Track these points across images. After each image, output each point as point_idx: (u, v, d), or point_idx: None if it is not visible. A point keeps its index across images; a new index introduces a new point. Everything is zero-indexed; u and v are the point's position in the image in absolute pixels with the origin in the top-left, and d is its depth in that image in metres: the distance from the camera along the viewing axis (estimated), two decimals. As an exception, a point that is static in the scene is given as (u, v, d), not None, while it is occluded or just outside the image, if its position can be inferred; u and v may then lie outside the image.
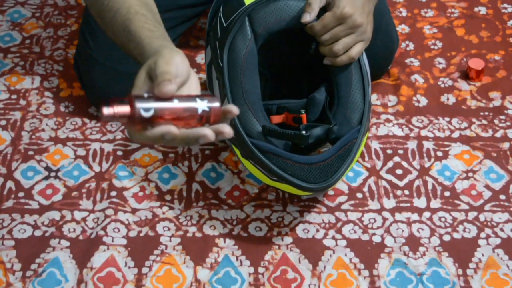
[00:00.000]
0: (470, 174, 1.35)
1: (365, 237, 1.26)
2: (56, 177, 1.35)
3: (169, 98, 0.83)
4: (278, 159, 1.16)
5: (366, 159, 1.37)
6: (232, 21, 1.21)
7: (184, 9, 1.47)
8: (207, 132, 0.84)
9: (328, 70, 1.22)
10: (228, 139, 1.21)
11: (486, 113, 1.46)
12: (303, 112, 1.19)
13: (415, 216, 1.29)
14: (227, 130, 0.85)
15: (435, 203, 1.30)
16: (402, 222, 1.28)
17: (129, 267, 1.22)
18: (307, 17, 1.18)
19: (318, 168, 1.16)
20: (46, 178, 1.35)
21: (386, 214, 1.29)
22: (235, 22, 1.20)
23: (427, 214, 1.29)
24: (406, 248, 1.24)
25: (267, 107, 1.22)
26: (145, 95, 0.84)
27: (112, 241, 1.25)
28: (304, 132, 1.14)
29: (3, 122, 1.44)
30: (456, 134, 1.42)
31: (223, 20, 1.23)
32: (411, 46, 1.60)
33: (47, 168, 1.36)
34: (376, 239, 1.25)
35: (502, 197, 1.31)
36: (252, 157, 1.18)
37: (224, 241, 1.25)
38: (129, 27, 1.03)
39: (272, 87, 1.35)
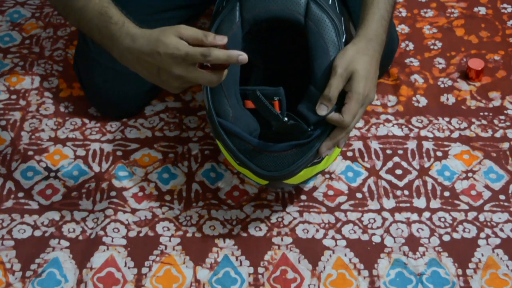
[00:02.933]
0: (469, 174, 1.35)
1: (365, 237, 1.26)
2: (55, 177, 1.35)
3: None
4: (240, 142, 1.17)
5: (366, 159, 1.38)
6: (225, 4, 1.22)
7: (184, 9, 1.47)
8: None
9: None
10: (208, 118, 1.22)
11: (486, 113, 1.46)
12: (276, 99, 1.17)
13: (414, 216, 1.29)
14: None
15: (435, 203, 1.30)
16: (402, 222, 1.28)
17: (129, 267, 1.22)
18: (324, 110, 1.14)
19: (275, 157, 1.15)
20: (46, 178, 1.35)
21: (385, 214, 1.29)
22: (227, 5, 1.21)
23: (426, 214, 1.29)
24: (405, 248, 1.24)
25: (244, 92, 1.21)
26: None
27: (112, 241, 1.25)
28: (286, 119, 1.14)
29: (3, 123, 1.44)
30: (455, 134, 1.42)
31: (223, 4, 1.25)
32: (411, 46, 1.60)
33: (46, 168, 1.36)
34: (376, 239, 1.25)
35: (502, 197, 1.31)
36: (218, 137, 1.19)
37: (224, 241, 1.25)
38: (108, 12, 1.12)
39: (263, 79, 1.34)
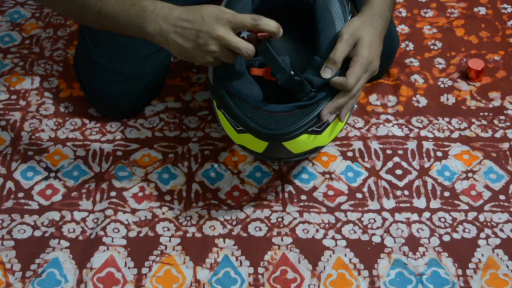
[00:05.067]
0: (469, 175, 1.35)
1: (365, 237, 1.26)
2: (55, 177, 1.35)
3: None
4: (243, 103, 1.18)
5: (366, 159, 1.38)
6: None
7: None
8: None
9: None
10: (211, 92, 1.24)
11: (486, 113, 1.46)
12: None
13: (414, 216, 1.29)
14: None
15: (435, 203, 1.30)
16: (402, 222, 1.28)
17: (129, 268, 1.22)
18: (329, 73, 1.16)
19: (276, 117, 1.16)
20: (46, 178, 1.35)
21: (385, 214, 1.29)
22: None
23: (426, 214, 1.29)
24: (405, 248, 1.24)
25: (249, 65, 1.22)
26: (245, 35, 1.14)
27: (112, 241, 1.25)
28: (292, 72, 1.15)
29: (3, 123, 1.44)
30: (455, 134, 1.42)
31: None
32: (411, 46, 1.60)
33: (46, 169, 1.36)
34: (376, 239, 1.25)
35: (502, 197, 1.31)
36: (221, 102, 1.20)
37: (224, 241, 1.25)
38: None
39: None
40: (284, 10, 1.29)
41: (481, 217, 1.28)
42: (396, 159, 1.38)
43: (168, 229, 1.27)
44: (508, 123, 1.43)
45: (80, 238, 1.26)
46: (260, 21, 1.12)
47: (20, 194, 1.32)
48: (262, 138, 1.17)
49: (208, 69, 1.27)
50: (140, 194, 1.33)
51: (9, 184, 1.34)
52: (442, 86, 1.51)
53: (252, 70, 1.20)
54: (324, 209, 1.30)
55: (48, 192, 1.33)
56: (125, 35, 1.19)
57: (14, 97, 1.50)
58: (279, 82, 1.16)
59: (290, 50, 1.31)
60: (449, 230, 1.26)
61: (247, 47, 1.12)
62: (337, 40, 1.17)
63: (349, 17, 1.23)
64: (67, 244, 1.25)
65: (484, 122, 1.44)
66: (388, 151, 1.39)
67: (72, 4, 1.17)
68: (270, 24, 1.12)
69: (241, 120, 1.18)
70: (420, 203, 1.31)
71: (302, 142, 1.18)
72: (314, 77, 1.17)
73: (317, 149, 1.23)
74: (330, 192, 1.33)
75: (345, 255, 1.23)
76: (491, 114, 1.45)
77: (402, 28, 1.64)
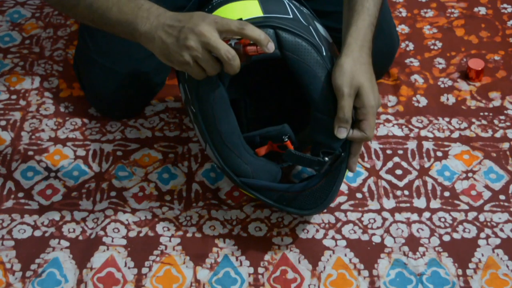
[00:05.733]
0: (470, 174, 1.35)
1: (365, 237, 1.26)
2: (55, 177, 1.35)
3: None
4: (271, 193, 1.18)
5: (366, 159, 1.37)
6: None
7: (183, 9, 1.47)
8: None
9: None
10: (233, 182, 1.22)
11: (486, 113, 1.46)
12: (286, 140, 1.18)
13: (414, 216, 1.29)
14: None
15: (435, 203, 1.30)
16: (402, 222, 1.28)
17: (129, 268, 1.22)
18: (344, 133, 1.13)
19: (309, 194, 1.17)
20: (46, 178, 1.35)
21: (385, 214, 1.29)
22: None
23: (426, 214, 1.29)
24: (405, 248, 1.24)
25: (249, 140, 1.19)
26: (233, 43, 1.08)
27: (112, 241, 1.25)
28: (326, 159, 1.14)
29: (3, 123, 1.44)
30: (456, 134, 1.42)
31: None
32: (411, 46, 1.60)
33: (46, 169, 1.36)
34: (376, 239, 1.25)
35: (502, 197, 1.31)
36: (249, 193, 1.20)
37: (224, 241, 1.25)
38: None
39: (254, 112, 1.34)
40: (257, 69, 1.22)
41: (481, 217, 1.28)
42: (396, 159, 1.38)
43: (168, 229, 1.27)
44: (508, 123, 1.43)
45: (80, 238, 1.26)
46: (247, 26, 1.06)
47: (20, 194, 1.32)
48: (305, 215, 1.23)
49: (207, 151, 1.22)
50: (140, 194, 1.33)
51: (9, 184, 1.34)
52: (442, 86, 1.51)
53: (258, 152, 1.19)
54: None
55: (48, 192, 1.33)
56: (112, 32, 1.16)
57: (14, 97, 1.50)
58: (319, 172, 1.15)
59: (279, 112, 1.31)
60: (449, 230, 1.26)
61: (228, 50, 1.06)
62: (338, 96, 1.11)
63: (325, 53, 1.14)
64: (67, 244, 1.25)
65: (484, 122, 1.44)
66: (388, 151, 1.39)
67: None
68: (256, 32, 1.06)
69: (278, 207, 1.20)
70: (420, 203, 1.31)
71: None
72: (329, 139, 1.14)
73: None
74: (330, 192, 1.32)
75: (345, 255, 1.23)
76: (491, 114, 1.45)
77: (402, 28, 1.64)
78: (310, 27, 1.17)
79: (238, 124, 1.16)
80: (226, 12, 1.17)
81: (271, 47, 1.07)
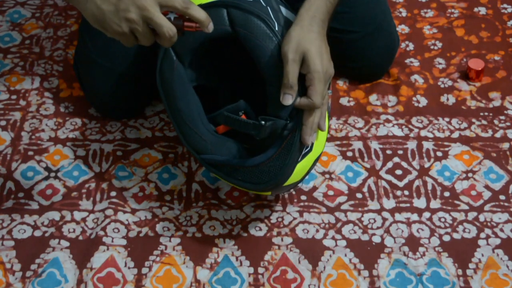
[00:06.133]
0: (470, 175, 1.35)
1: (365, 237, 1.26)
2: (56, 177, 1.35)
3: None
4: (228, 168, 1.18)
5: (366, 159, 1.38)
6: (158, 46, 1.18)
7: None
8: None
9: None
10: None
11: (486, 114, 1.46)
12: (241, 113, 1.20)
13: (414, 217, 1.29)
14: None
15: (435, 204, 1.30)
16: (402, 222, 1.28)
17: (129, 268, 1.22)
18: (290, 99, 1.11)
19: (265, 168, 1.15)
20: (46, 178, 1.35)
21: (385, 214, 1.29)
22: (161, 48, 1.19)
23: (427, 214, 1.29)
24: (406, 248, 1.24)
25: (213, 119, 1.21)
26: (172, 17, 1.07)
27: (112, 241, 1.25)
28: (263, 122, 1.13)
29: (3, 123, 1.45)
30: (455, 135, 1.42)
31: None
32: (411, 46, 1.60)
33: (47, 169, 1.36)
34: (376, 239, 1.25)
35: (502, 197, 1.31)
36: (209, 171, 1.23)
37: (224, 241, 1.25)
38: None
39: (230, 100, 1.31)
40: (218, 49, 1.24)
41: (481, 217, 1.28)
42: (396, 159, 1.38)
43: (168, 229, 1.27)
44: (508, 123, 1.43)
45: (80, 238, 1.26)
46: (191, 6, 1.05)
47: (20, 194, 1.32)
48: (263, 190, 1.18)
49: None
50: (140, 194, 1.33)
51: (9, 184, 1.34)
52: (442, 86, 1.51)
53: (218, 130, 1.21)
54: (324, 209, 1.30)
55: (48, 192, 1.33)
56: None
57: (14, 97, 1.50)
58: (257, 138, 1.15)
59: (248, 83, 1.30)
60: (449, 230, 1.26)
61: (169, 27, 1.04)
62: (283, 62, 1.11)
63: (277, 28, 1.15)
64: (67, 244, 1.25)
65: (484, 122, 1.44)
66: (388, 151, 1.39)
67: None
68: (199, 13, 1.05)
69: (235, 183, 1.19)
70: (420, 203, 1.31)
71: (301, 169, 1.17)
72: (278, 110, 1.13)
73: (317, 160, 1.22)
74: (330, 192, 1.32)
75: (345, 255, 1.23)
76: (491, 114, 1.45)
77: (402, 28, 1.64)
78: (268, 8, 1.17)
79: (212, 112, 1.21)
80: None
81: (211, 27, 1.07)
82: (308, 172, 1.21)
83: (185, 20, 1.07)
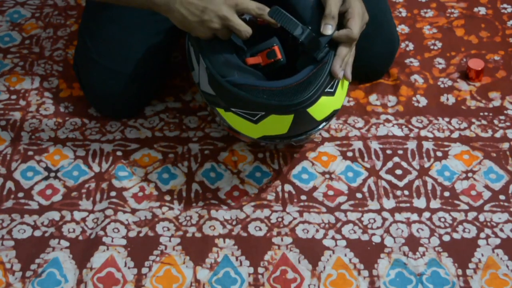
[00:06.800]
0: (469, 175, 1.35)
1: (365, 237, 1.26)
2: (55, 177, 1.35)
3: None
4: (255, 90, 1.17)
5: (366, 159, 1.38)
6: None
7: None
8: None
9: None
10: (212, 102, 1.24)
11: (486, 113, 1.46)
12: (275, 45, 1.21)
13: (414, 216, 1.29)
14: None
15: (435, 203, 1.30)
16: (402, 222, 1.28)
17: (129, 268, 1.22)
18: (330, 29, 1.18)
19: (294, 88, 1.16)
20: (46, 178, 1.35)
21: (385, 214, 1.29)
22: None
23: (426, 214, 1.29)
24: (405, 248, 1.24)
25: (242, 59, 1.22)
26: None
27: (112, 241, 1.25)
28: (309, 27, 1.17)
29: (3, 123, 1.44)
30: (455, 135, 1.42)
31: None
32: (411, 46, 1.60)
33: (46, 169, 1.36)
34: (376, 239, 1.25)
35: (502, 197, 1.31)
36: (230, 98, 1.19)
37: (224, 241, 1.25)
38: None
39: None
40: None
41: (481, 217, 1.28)
42: (396, 159, 1.38)
43: (168, 229, 1.27)
44: (508, 123, 1.43)
45: (80, 238, 1.26)
46: (265, 11, 1.17)
47: (20, 194, 1.32)
48: (287, 111, 1.16)
49: (200, 83, 1.26)
50: (140, 194, 1.33)
51: (9, 184, 1.34)
52: (442, 86, 1.51)
53: (248, 61, 1.21)
54: (324, 209, 1.30)
55: (48, 192, 1.33)
56: (128, 5, 1.22)
57: (14, 97, 1.50)
58: (301, 40, 1.16)
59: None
60: (449, 230, 1.26)
61: (247, 30, 1.18)
62: None
63: None
64: (67, 244, 1.25)
65: (484, 122, 1.44)
66: (388, 151, 1.39)
67: None
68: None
69: (260, 104, 1.17)
70: (420, 203, 1.31)
71: (323, 106, 1.19)
72: (313, 50, 1.17)
73: (334, 114, 1.23)
74: (330, 192, 1.32)
75: (345, 255, 1.23)
76: (491, 114, 1.45)
77: (402, 28, 1.64)
78: None
79: None
80: None
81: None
82: (326, 119, 1.22)
83: (260, 20, 1.21)
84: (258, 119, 1.19)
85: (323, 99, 1.18)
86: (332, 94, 1.19)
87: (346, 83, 1.24)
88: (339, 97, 1.22)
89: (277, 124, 1.19)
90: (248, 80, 1.18)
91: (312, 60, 1.18)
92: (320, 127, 1.23)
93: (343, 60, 1.19)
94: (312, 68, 1.17)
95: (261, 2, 1.21)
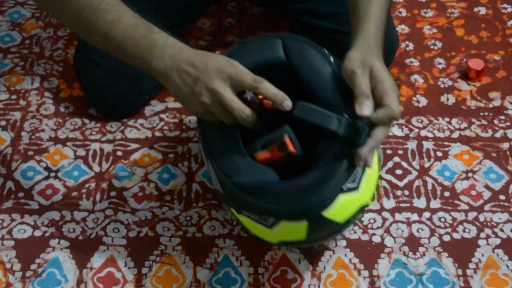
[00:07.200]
0: (470, 175, 1.35)
1: (365, 237, 1.26)
2: (56, 177, 1.35)
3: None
4: (262, 193, 1.04)
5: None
6: None
7: (185, 9, 1.47)
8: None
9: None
10: (225, 202, 1.13)
11: (486, 113, 1.46)
12: (285, 135, 1.06)
13: (414, 216, 1.29)
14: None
15: (435, 203, 1.30)
16: (402, 222, 1.28)
17: (129, 268, 1.22)
18: (367, 109, 1.01)
19: (305, 190, 1.02)
20: (46, 178, 1.35)
21: (386, 214, 1.29)
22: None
23: (427, 214, 1.29)
24: (406, 248, 1.24)
25: (250, 152, 1.09)
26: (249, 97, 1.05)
27: (112, 241, 1.25)
28: (345, 115, 1.00)
29: (3, 123, 1.45)
30: (456, 134, 1.42)
31: None
32: (411, 46, 1.60)
33: (47, 169, 1.36)
34: (376, 239, 1.25)
35: (502, 197, 1.31)
36: (238, 202, 1.08)
37: (224, 242, 1.25)
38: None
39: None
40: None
41: (481, 217, 1.28)
42: (396, 159, 1.38)
43: (168, 229, 1.27)
44: (508, 123, 1.43)
45: (80, 238, 1.26)
46: (261, 84, 1.02)
47: (20, 194, 1.32)
48: (298, 218, 1.02)
49: (211, 176, 1.14)
50: (140, 194, 1.33)
51: (9, 184, 1.34)
52: (442, 86, 1.52)
53: (257, 157, 1.07)
54: (324, 209, 1.30)
55: (48, 192, 1.33)
56: (126, 63, 1.12)
57: (14, 97, 1.50)
58: (340, 134, 0.99)
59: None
60: (449, 230, 1.26)
61: (241, 108, 1.03)
62: (351, 78, 1.03)
63: (335, 61, 1.10)
64: (67, 244, 1.25)
65: (484, 122, 1.44)
66: (388, 151, 1.39)
67: (80, 19, 1.10)
68: (271, 91, 1.02)
69: (268, 210, 1.03)
70: (420, 203, 1.31)
71: (343, 206, 1.02)
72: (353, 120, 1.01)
73: (362, 210, 1.07)
74: (330, 192, 1.32)
75: (345, 255, 1.23)
76: (491, 114, 1.46)
77: (402, 28, 1.64)
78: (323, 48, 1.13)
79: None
80: None
81: (287, 105, 1.02)
82: (351, 220, 1.05)
83: (260, 96, 1.04)
84: (272, 224, 1.05)
85: (343, 198, 1.01)
86: (355, 189, 1.03)
87: (373, 173, 1.07)
88: (367, 190, 1.05)
89: (293, 230, 1.05)
90: (256, 182, 1.05)
91: (332, 148, 1.02)
92: (347, 228, 1.08)
93: (376, 145, 1.01)
94: (327, 161, 1.02)
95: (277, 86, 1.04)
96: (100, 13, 1.08)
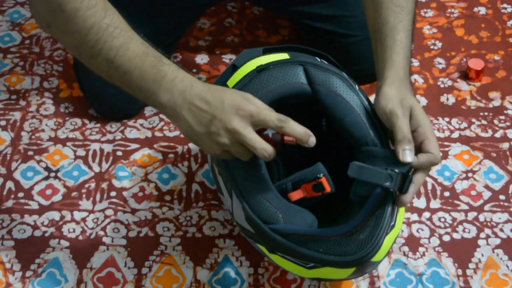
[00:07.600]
0: (469, 174, 1.35)
1: (365, 237, 1.26)
2: (55, 177, 1.35)
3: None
4: (306, 239, 1.01)
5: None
6: None
7: (185, 11, 1.47)
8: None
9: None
10: (251, 237, 1.09)
11: (486, 113, 1.46)
12: (321, 175, 1.04)
13: (414, 217, 1.29)
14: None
15: (435, 203, 1.30)
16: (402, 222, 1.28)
17: (129, 268, 1.22)
18: (410, 155, 0.98)
19: (353, 236, 0.99)
20: (46, 178, 1.35)
21: (385, 214, 1.29)
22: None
23: (426, 214, 1.29)
24: (405, 248, 1.24)
25: (281, 189, 1.06)
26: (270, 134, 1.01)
27: (112, 241, 1.25)
28: (396, 170, 0.97)
29: (3, 123, 1.44)
30: (455, 134, 1.42)
31: None
32: (411, 46, 1.60)
33: (46, 169, 1.36)
34: (376, 239, 1.25)
35: (502, 197, 1.31)
36: (277, 246, 1.04)
37: (224, 242, 1.25)
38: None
39: (284, 174, 1.19)
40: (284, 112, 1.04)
41: (481, 217, 1.28)
42: (396, 159, 1.38)
43: (168, 229, 1.27)
44: (508, 123, 1.43)
45: (80, 238, 1.26)
46: (286, 123, 0.97)
47: (20, 194, 1.32)
48: (347, 266, 1.00)
49: (233, 213, 1.10)
50: (140, 194, 1.33)
51: (9, 184, 1.34)
52: (442, 86, 1.52)
53: (291, 197, 1.05)
54: (324, 209, 1.30)
55: (48, 192, 1.33)
56: (131, 94, 1.04)
57: (14, 97, 1.50)
58: (393, 189, 0.98)
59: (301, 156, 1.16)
60: (449, 230, 1.26)
61: (264, 148, 0.97)
62: (391, 119, 1.00)
63: (358, 88, 1.07)
64: (67, 244, 1.25)
65: (484, 122, 1.44)
66: (388, 151, 1.39)
67: (85, 41, 0.99)
68: (297, 130, 0.97)
69: (312, 258, 1.00)
70: (420, 203, 1.31)
71: (386, 246, 1.01)
72: (391, 168, 0.99)
73: (394, 242, 1.06)
74: (330, 192, 1.32)
75: (345, 255, 1.23)
76: (491, 114, 1.45)
77: (402, 28, 1.64)
78: (343, 72, 1.09)
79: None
80: (254, 62, 1.08)
81: (312, 142, 0.98)
82: (388, 253, 1.04)
83: (284, 135, 0.99)
84: (312, 267, 1.03)
85: (386, 239, 1.01)
86: (393, 227, 1.02)
87: (402, 208, 1.06)
88: (399, 223, 1.04)
89: (337, 273, 1.03)
90: (298, 228, 1.01)
91: (374, 192, 1.00)
92: (381, 262, 1.07)
93: (418, 188, 1.00)
94: (371, 207, 1.00)
95: (303, 123, 1.00)
96: (108, 36, 0.99)
